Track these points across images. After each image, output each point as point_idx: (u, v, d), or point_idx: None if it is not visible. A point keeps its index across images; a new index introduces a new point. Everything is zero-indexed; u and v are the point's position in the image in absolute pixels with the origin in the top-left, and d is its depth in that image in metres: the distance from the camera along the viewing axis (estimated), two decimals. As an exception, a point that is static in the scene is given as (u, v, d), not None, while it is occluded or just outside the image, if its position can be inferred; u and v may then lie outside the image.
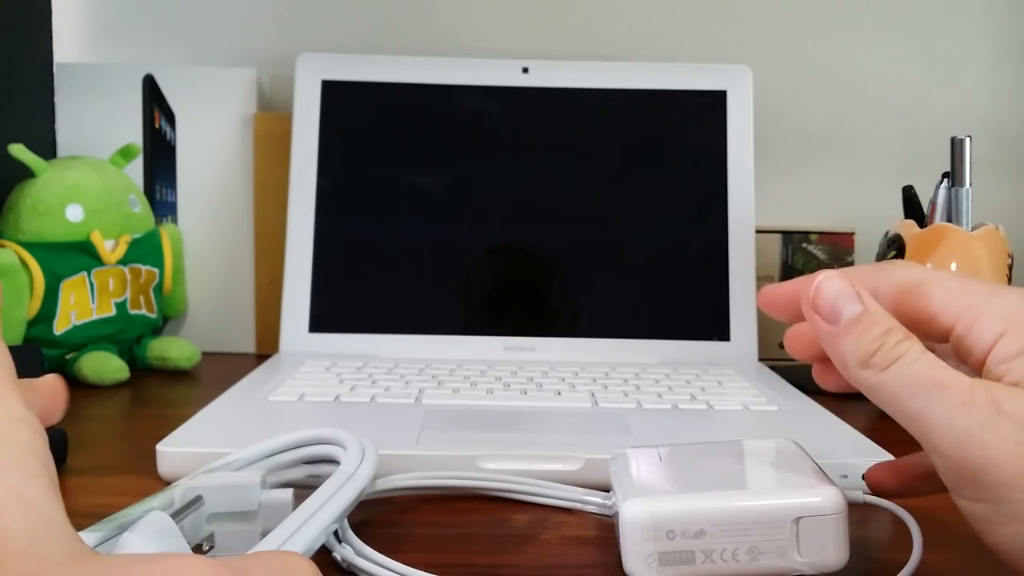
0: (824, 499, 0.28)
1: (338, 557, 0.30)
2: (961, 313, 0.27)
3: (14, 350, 0.23)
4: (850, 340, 0.27)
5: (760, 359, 0.60)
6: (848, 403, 0.54)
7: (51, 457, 0.18)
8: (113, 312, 0.60)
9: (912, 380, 0.26)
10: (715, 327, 0.61)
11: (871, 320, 0.27)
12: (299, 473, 0.35)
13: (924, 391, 0.25)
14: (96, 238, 0.58)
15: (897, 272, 0.29)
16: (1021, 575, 0.25)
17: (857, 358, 0.27)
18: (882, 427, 0.49)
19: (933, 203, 0.54)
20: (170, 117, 0.68)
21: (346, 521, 0.31)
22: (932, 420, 0.25)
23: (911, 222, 0.54)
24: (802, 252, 0.69)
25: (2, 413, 0.18)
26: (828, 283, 0.28)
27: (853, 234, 0.70)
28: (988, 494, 0.24)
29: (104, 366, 0.57)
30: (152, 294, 0.63)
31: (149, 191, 0.67)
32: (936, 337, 0.28)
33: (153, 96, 0.68)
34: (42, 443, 0.18)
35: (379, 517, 0.35)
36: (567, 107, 0.63)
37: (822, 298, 0.28)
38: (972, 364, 0.27)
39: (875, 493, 0.32)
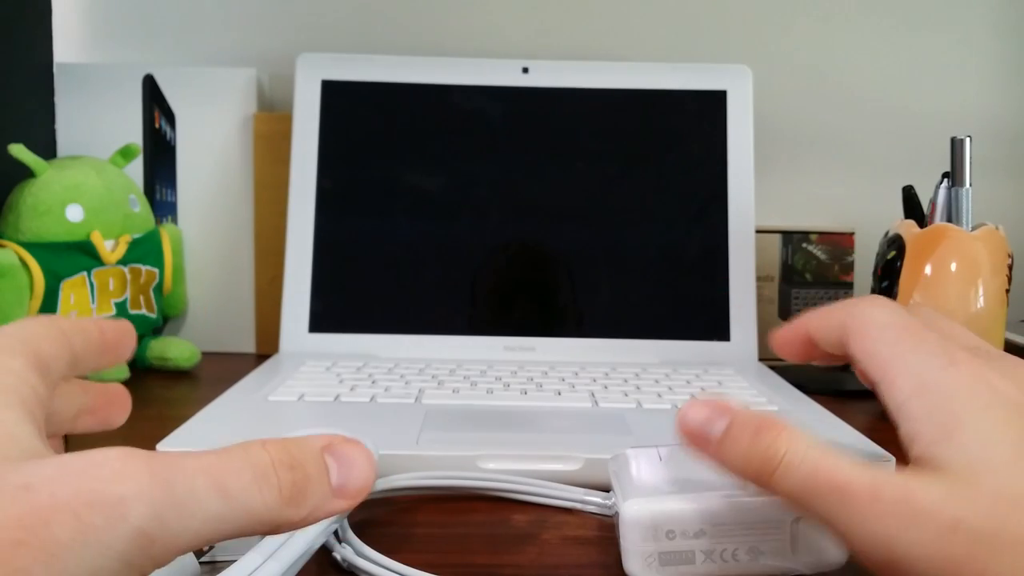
0: (824, 499, 0.28)
1: (338, 557, 0.30)
2: (883, 366, 0.26)
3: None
4: (729, 455, 0.25)
5: (760, 359, 0.60)
6: (848, 403, 0.54)
7: (39, 402, 0.22)
8: (113, 312, 0.60)
9: (807, 485, 0.23)
10: (715, 327, 0.61)
11: (739, 427, 0.25)
12: (299, 473, 0.35)
13: (823, 496, 0.23)
14: (96, 238, 0.58)
15: (841, 310, 0.29)
16: None
17: (741, 473, 0.25)
18: (882, 427, 0.49)
19: (933, 203, 0.54)
20: (170, 117, 0.68)
21: (346, 521, 0.31)
22: (845, 527, 0.23)
23: (911, 222, 0.54)
24: (802, 252, 0.69)
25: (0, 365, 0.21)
26: (690, 412, 0.26)
27: (853, 234, 0.70)
28: None
29: (104, 366, 0.57)
30: (152, 294, 0.63)
31: (149, 191, 0.67)
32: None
33: (153, 96, 0.68)
34: (28, 390, 0.21)
35: (379, 517, 0.35)
36: (567, 107, 0.63)
37: (690, 428, 0.26)
38: (890, 415, 0.26)
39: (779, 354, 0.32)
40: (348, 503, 0.22)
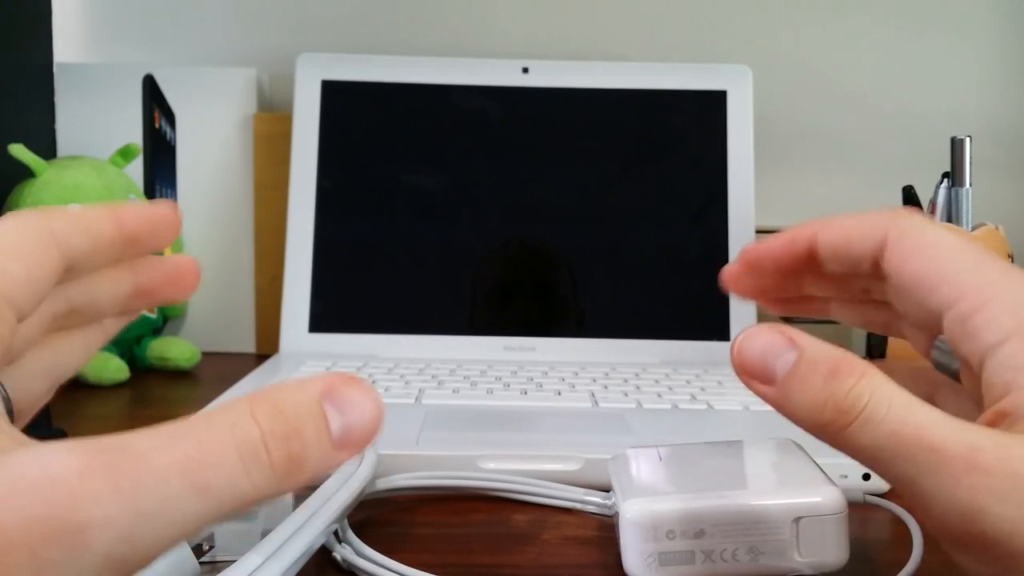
0: (824, 499, 0.28)
1: (338, 557, 0.30)
2: (965, 292, 0.22)
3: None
4: (796, 399, 0.21)
5: (760, 359, 0.60)
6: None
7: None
8: (113, 312, 0.60)
9: (890, 442, 0.20)
10: (715, 327, 0.61)
11: (809, 364, 0.21)
12: (299, 473, 0.35)
13: (910, 456, 0.20)
14: (96, 238, 0.58)
15: (877, 222, 0.25)
16: None
17: (808, 420, 0.21)
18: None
19: (933, 203, 0.54)
20: (170, 117, 0.68)
21: (346, 521, 0.31)
22: (927, 490, 0.20)
23: (911, 222, 0.54)
24: (802, 252, 0.69)
25: None
26: (749, 342, 0.22)
27: (853, 234, 0.70)
28: (999, 563, 0.20)
29: (104, 366, 0.57)
30: (152, 294, 0.63)
31: (149, 191, 0.67)
32: (920, 305, 0.24)
33: (153, 96, 0.68)
34: None
35: (379, 517, 0.35)
36: (567, 107, 0.63)
37: (750, 360, 0.22)
38: (967, 353, 0.22)
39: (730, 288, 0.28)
40: (351, 453, 0.19)
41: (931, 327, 0.24)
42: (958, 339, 0.23)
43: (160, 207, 0.24)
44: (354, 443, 0.19)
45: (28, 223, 0.21)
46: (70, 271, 0.22)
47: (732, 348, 0.22)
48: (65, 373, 0.25)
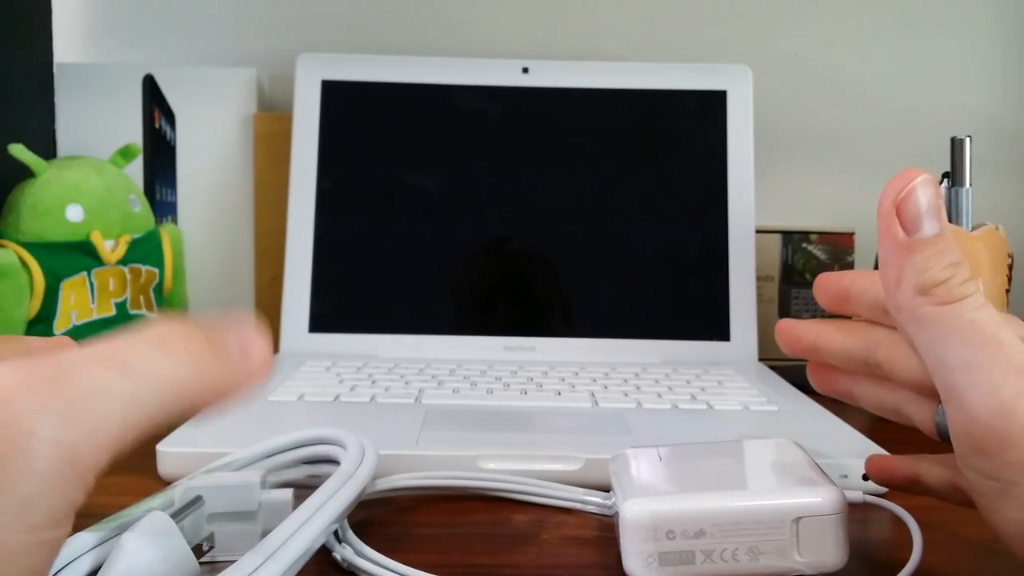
0: (824, 499, 0.28)
1: (338, 557, 0.30)
2: None
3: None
4: (919, 259, 0.25)
5: (760, 359, 0.60)
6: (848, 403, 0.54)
7: None
8: (113, 312, 0.60)
9: (970, 327, 0.23)
10: (715, 327, 0.61)
11: (946, 245, 0.25)
12: (299, 473, 0.35)
13: (979, 343, 0.23)
14: (96, 238, 0.58)
15: None
16: (1018, 557, 0.24)
17: (919, 281, 0.24)
18: (882, 427, 0.49)
19: (933, 203, 0.54)
20: (170, 117, 0.68)
21: (346, 521, 0.31)
22: (974, 377, 0.23)
23: (911, 222, 0.54)
24: (802, 252, 0.69)
25: None
26: (924, 189, 0.25)
27: (853, 234, 0.70)
28: (1002, 472, 0.23)
29: (104, 366, 0.57)
30: (152, 294, 0.63)
31: (149, 191, 0.67)
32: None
33: (153, 96, 0.68)
34: None
35: (379, 517, 0.35)
36: (567, 107, 0.63)
37: (911, 203, 0.25)
38: None
39: (875, 481, 0.32)
40: (254, 367, 0.20)
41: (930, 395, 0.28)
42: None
43: None
44: (255, 356, 0.20)
45: None
46: None
47: (899, 190, 0.25)
48: None
